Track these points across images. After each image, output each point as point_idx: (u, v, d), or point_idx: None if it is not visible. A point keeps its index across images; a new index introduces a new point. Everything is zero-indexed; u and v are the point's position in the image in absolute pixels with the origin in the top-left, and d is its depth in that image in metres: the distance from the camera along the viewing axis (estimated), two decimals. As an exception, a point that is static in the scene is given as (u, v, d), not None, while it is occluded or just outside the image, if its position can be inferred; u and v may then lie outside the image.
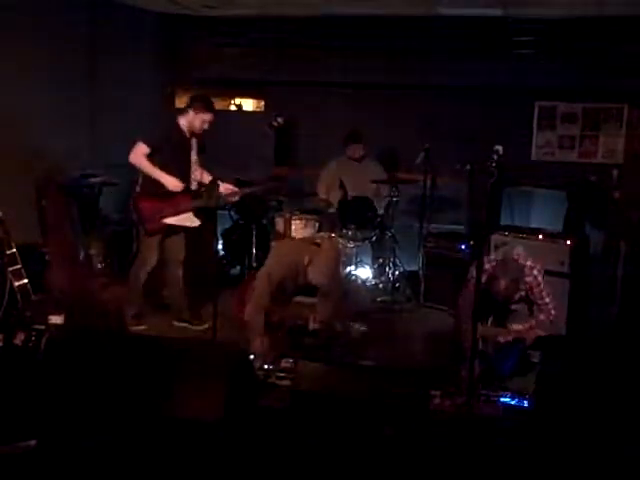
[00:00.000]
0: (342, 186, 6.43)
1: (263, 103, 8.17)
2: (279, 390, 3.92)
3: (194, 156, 5.24)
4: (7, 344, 3.81)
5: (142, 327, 5.20)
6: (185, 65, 7.83)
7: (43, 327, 3.88)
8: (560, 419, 3.46)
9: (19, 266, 3.93)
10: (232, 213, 6.77)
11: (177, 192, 5.07)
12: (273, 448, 3.26)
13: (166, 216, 5.08)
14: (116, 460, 3.07)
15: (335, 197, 6.46)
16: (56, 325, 3.95)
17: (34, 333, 3.85)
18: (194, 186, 5.23)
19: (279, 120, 5.95)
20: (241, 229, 6.73)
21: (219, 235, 6.65)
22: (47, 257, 4.85)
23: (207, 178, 5.16)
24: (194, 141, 5.23)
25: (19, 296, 3.92)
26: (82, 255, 5.71)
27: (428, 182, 6.37)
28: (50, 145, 5.64)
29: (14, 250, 3.94)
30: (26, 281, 3.94)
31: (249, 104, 8.46)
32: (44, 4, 5.71)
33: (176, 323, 5.40)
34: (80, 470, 3.02)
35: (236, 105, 8.23)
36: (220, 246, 6.84)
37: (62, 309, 4.06)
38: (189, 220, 5.16)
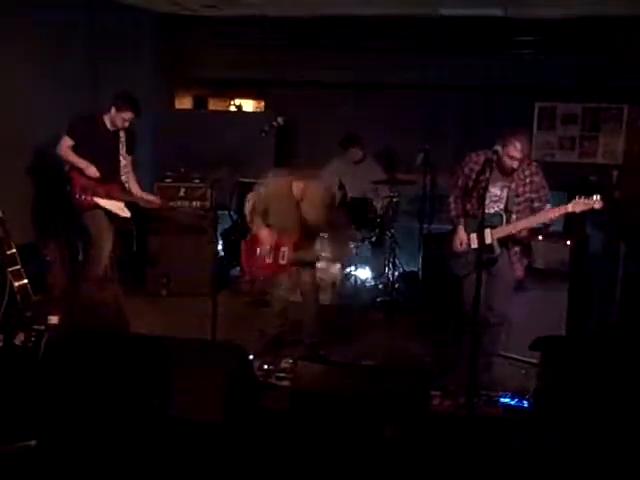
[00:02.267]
0: (342, 187, 6.44)
1: (263, 103, 8.17)
2: (279, 390, 3.92)
3: (123, 152, 5.35)
4: (7, 344, 3.81)
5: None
6: (185, 65, 7.83)
7: (43, 327, 3.88)
8: (560, 419, 3.46)
9: (19, 266, 3.92)
10: (232, 213, 6.77)
11: (109, 180, 5.24)
12: (273, 448, 3.25)
13: (98, 195, 5.21)
14: (116, 460, 3.07)
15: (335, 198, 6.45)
16: (54, 325, 3.95)
17: (34, 333, 3.84)
18: (124, 179, 5.38)
19: (279, 120, 5.96)
20: (241, 229, 6.73)
21: (219, 235, 6.65)
22: (47, 257, 4.86)
23: (135, 187, 5.41)
24: (122, 137, 5.34)
25: (19, 296, 3.91)
26: (81, 255, 5.71)
27: (428, 182, 6.37)
28: (50, 145, 5.65)
29: (14, 250, 3.94)
30: (26, 281, 3.93)
31: (249, 104, 8.46)
32: (44, 4, 5.71)
33: None
34: (80, 470, 3.02)
35: (236, 105, 8.23)
36: (220, 246, 6.84)
37: (61, 309, 4.06)
38: (120, 209, 5.29)
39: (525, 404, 3.92)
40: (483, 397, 3.97)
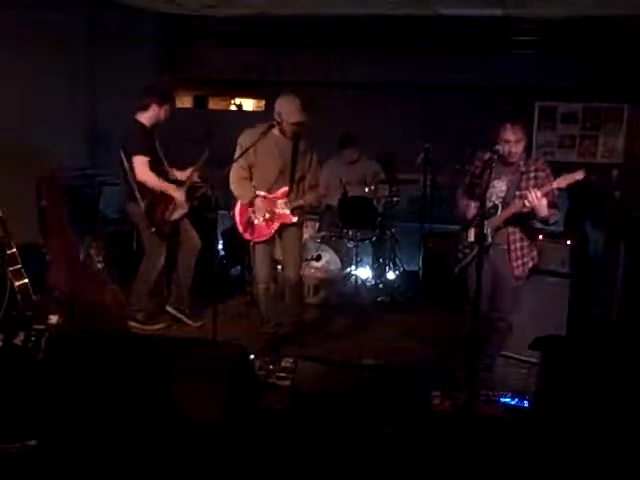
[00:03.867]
0: (342, 186, 6.44)
1: (263, 103, 8.17)
2: (279, 390, 3.92)
3: (158, 146, 5.26)
4: (7, 344, 3.81)
5: (158, 326, 5.24)
6: (185, 65, 7.83)
7: (43, 327, 3.88)
8: (560, 419, 3.46)
9: (19, 266, 3.93)
10: (232, 213, 6.76)
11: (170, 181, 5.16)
12: (273, 449, 3.25)
13: (172, 214, 5.16)
14: (116, 460, 3.07)
15: (335, 197, 6.45)
16: (54, 325, 3.96)
17: (34, 333, 3.84)
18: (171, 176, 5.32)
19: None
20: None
21: (219, 235, 6.65)
22: (47, 257, 4.85)
23: (176, 173, 5.32)
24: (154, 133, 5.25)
25: (19, 296, 3.92)
26: (82, 255, 5.71)
27: (428, 182, 6.37)
28: (50, 145, 5.64)
29: (14, 250, 3.95)
30: (26, 281, 3.94)
31: (249, 104, 8.46)
32: (44, 4, 5.71)
33: (169, 308, 5.40)
34: (80, 470, 3.02)
35: (236, 105, 8.23)
36: (220, 246, 6.84)
37: (62, 309, 4.06)
38: (183, 207, 5.23)
39: (525, 404, 3.92)
40: (483, 397, 3.97)
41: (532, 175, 4.15)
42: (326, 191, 6.66)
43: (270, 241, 4.87)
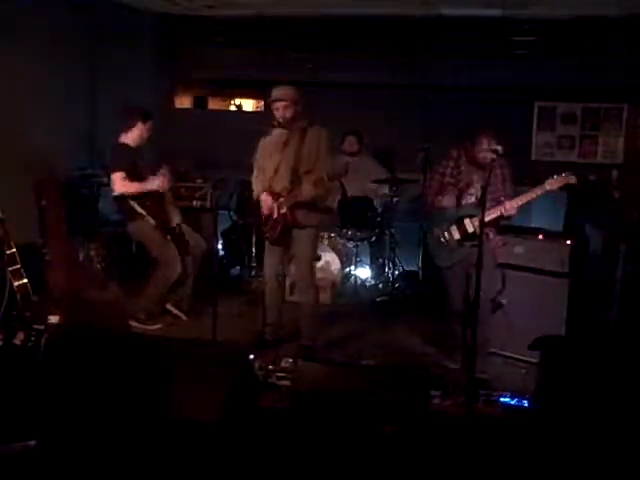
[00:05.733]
0: (342, 186, 6.43)
1: (263, 103, 8.18)
2: (279, 390, 3.93)
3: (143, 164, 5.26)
4: (7, 344, 3.81)
5: (158, 326, 5.25)
6: (185, 65, 7.83)
7: (43, 327, 3.88)
8: (560, 419, 3.46)
9: (19, 266, 3.93)
10: (231, 213, 6.77)
11: (159, 198, 5.19)
12: (273, 449, 3.26)
13: (171, 221, 5.26)
14: (116, 460, 3.07)
15: (334, 197, 6.45)
16: (54, 325, 3.96)
17: (34, 333, 3.85)
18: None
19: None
20: (240, 229, 6.73)
21: (219, 235, 6.65)
22: (47, 257, 4.86)
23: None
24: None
25: (19, 296, 3.92)
26: (82, 256, 5.71)
27: (428, 182, 6.36)
28: (50, 145, 5.65)
29: (14, 250, 3.94)
30: (26, 281, 3.94)
31: (249, 104, 8.47)
32: (44, 4, 5.72)
33: (170, 307, 5.42)
34: (80, 470, 3.02)
35: (236, 105, 8.24)
36: (220, 246, 6.84)
37: (61, 309, 4.06)
38: (177, 215, 5.33)
39: (525, 404, 3.92)
40: (483, 397, 3.97)
41: (499, 172, 4.42)
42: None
43: (277, 242, 4.81)
